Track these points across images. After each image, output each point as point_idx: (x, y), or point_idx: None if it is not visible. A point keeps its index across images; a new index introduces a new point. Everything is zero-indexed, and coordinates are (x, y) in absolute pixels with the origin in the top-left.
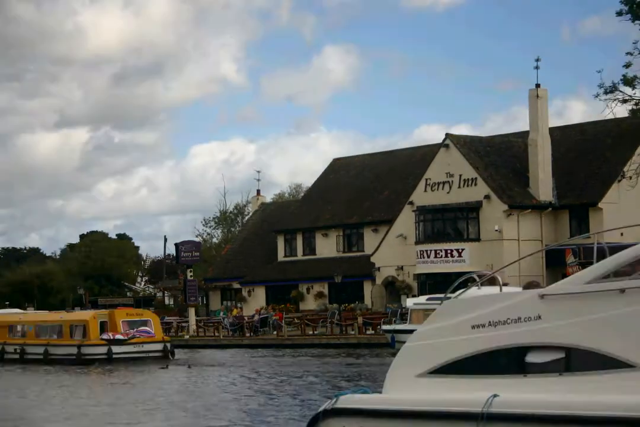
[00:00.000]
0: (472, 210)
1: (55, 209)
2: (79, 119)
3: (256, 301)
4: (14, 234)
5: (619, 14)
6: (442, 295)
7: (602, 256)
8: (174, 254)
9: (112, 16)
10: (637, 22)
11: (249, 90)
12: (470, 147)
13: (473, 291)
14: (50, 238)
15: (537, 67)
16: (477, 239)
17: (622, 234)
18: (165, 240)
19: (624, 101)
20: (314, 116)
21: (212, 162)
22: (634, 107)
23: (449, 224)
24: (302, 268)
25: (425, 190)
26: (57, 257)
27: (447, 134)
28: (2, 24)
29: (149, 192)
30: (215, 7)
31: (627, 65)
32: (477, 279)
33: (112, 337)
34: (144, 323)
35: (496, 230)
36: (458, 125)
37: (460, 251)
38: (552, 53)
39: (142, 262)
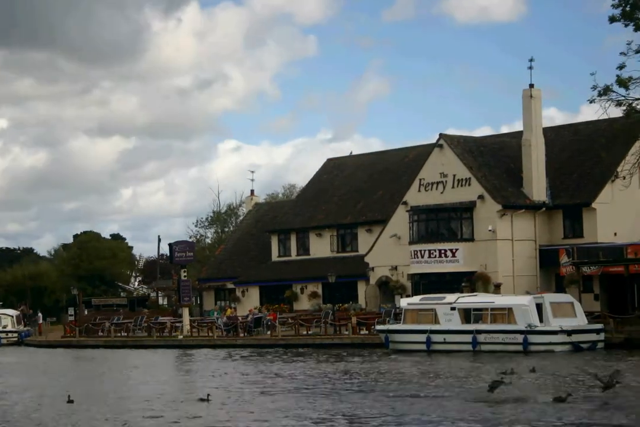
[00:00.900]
0: (465, 210)
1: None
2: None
3: (250, 301)
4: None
5: (612, 19)
6: (436, 295)
7: (594, 256)
8: (168, 254)
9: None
10: (630, 24)
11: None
12: (464, 147)
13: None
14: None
15: (530, 68)
16: (471, 239)
17: (615, 234)
18: (159, 240)
19: (619, 104)
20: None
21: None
22: (628, 108)
23: (443, 224)
24: (296, 268)
25: (419, 191)
26: (51, 256)
27: (440, 134)
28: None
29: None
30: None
31: (621, 67)
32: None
33: None
34: None
35: (490, 230)
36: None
37: (454, 251)
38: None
39: (136, 263)
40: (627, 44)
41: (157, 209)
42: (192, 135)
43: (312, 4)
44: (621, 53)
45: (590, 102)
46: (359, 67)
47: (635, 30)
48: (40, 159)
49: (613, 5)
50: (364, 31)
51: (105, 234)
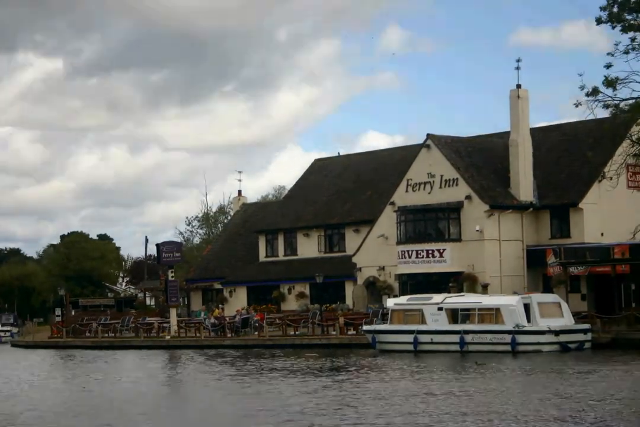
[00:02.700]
0: (453, 210)
1: None
2: None
3: (237, 302)
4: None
5: (599, 21)
6: (423, 295)
7: (581, 256)
8: (155, 255)
9: None
10: (617, 26)
11: None
12: (451, 147)
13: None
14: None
15: (517, 68)
16: (459, 240)
17: (602, 234)
18: (147, 240)
19: (607, 106)
20: None
21: None
22: (615, 109)
23: (430, 224)
24: (284, 268)
25: (407, 191)
26: (39, 257)
27: (428, 135)
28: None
29: None
30: None
31: (608, 66)
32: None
33: None
34: None
35: (477, 230)
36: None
37: (441, 251)
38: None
39: (124, 263)
40: (614, 44)
41: None
42: None
43: None
44: (608, 53)
45: (577, 106)
46: None
47: (623, 31)
48: None
49: (601, 8)
50: None
51: (93, 234)
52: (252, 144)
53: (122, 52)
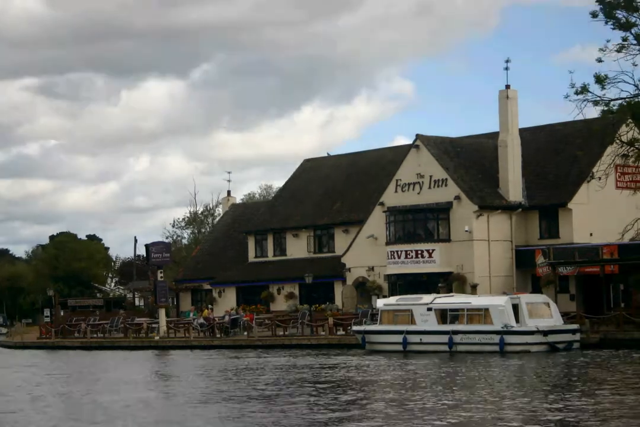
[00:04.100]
0: (442, 211)
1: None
2: None
3: (227, 302)
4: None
5: (594, 15)
6: (412, 296)
7: (570, 256)
8: (144, 255)
9: None
10: (609, 22)
11: None
12: (440, 148)
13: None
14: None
15: (506, 68)
16: (448, 240)
17: (591, 235)
18: (136, 241)
19: (595, 103)
20: None
21: None
22: (604, 108)
23: (420, 224)
24: (273, 269)
25: (396, 191)
26: (28, 257)
27: (417, 135)
28: None
29: None
30: None
31: (599, 60)
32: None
33: None
34: None
35: (466, 230)
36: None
37: (430, 251)
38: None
39: (112, 264)
40: (606, 41)
41: None
42: None
43: None
44: (600, 49)
45: (566, 97)
46: None
47: (614, 28)
48: None
49: (597, 1)
50: None
51: (82, 234)
52: None
53: None
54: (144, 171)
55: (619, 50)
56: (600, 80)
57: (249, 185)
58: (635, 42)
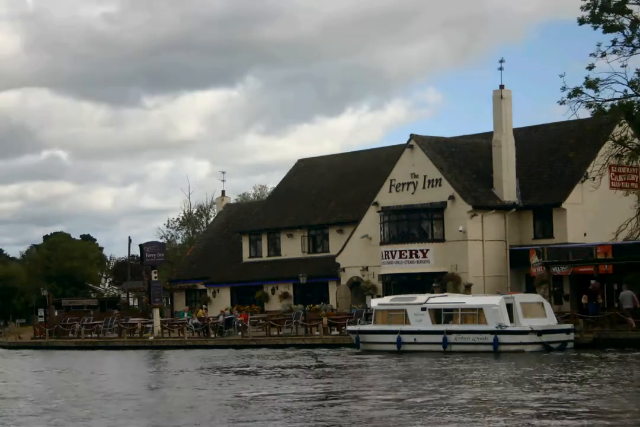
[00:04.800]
0: (436, 211)
1: None
2: None
3: (221, 302)
4: None
5: (581, 21)
6: (406, 296)
7: (564, 256)
8: (139, 255)
9: None
10: (598, 27)
11: None
12: (434, 148)
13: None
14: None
15: (501, 68)
16: (442, 240)
17: (585, 235)
18: (130, 241)
19: (589, 106)
20: None
21: None
22: (597, 109)
23: (414, 224)
24: (267, 269)
25: (390, 191)
26: (22, 257)
27: (411, 135)
28: None
29: None
30: None
31: (590, 67)
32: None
33: None
34: None
35: (460, 230)
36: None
37: (424, 251)
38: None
39: (107, 264)
40: (597, 45)
41: None
42: None
43: None
44: (591, 54)
45: (561, 104)
46: None
47: (604, 32)
48: None
49: (582, 7)
50: None
51: (75, 234)
52: None
53: None
54: (167, 175)
55: (604, 55)
56: (591, 84)
57: None
58: (626, 43)
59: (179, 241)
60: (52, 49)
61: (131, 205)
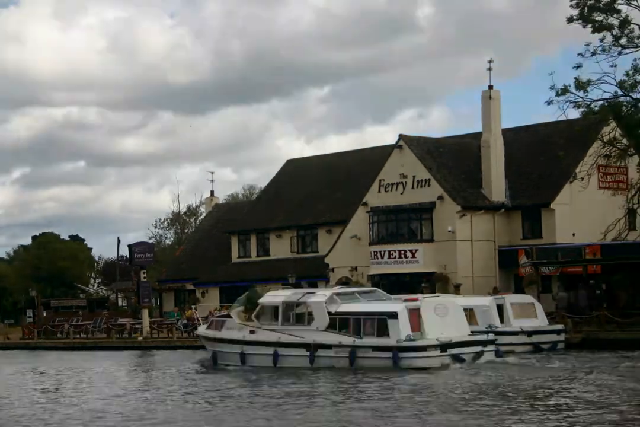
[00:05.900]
0: (425, 211)
1: None
2: None
3: (210, 302)
4: None
5: (570, 20)
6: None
7: (553, 256)
8: (127, 256)
9: None
10: (588, 26)
11: None
12: (423, 148)
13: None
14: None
15: (489, 69)
16: (431, 240)
17: (574, 235)
18: (119, 241)
19: (578, 106)
20: None
21: None
22: (586, 109)
23: (403, 224)
24: (256, 269)
25: (379, 191)
26: (9, 257)
27: (400, 135)
28: None
29: None
30: None
31: (577, 67)
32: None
33: None
34: None
35: (449, 231)
36: None
37: (413, 251)
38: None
39: (95, 264)
40: (585, 45)
41: None
42: None
43: None
44: (579, 54)
45: (548, 104)
46: None
47: (593, 32)
48: None
49: (572, 6)
50: None
51: (64, 235)
52: None
53: None
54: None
55: (594, 53)
56: (580, 85)
57: None
58: (614, 43)
59: (168, 241)
60: None
61: (121, 206)
